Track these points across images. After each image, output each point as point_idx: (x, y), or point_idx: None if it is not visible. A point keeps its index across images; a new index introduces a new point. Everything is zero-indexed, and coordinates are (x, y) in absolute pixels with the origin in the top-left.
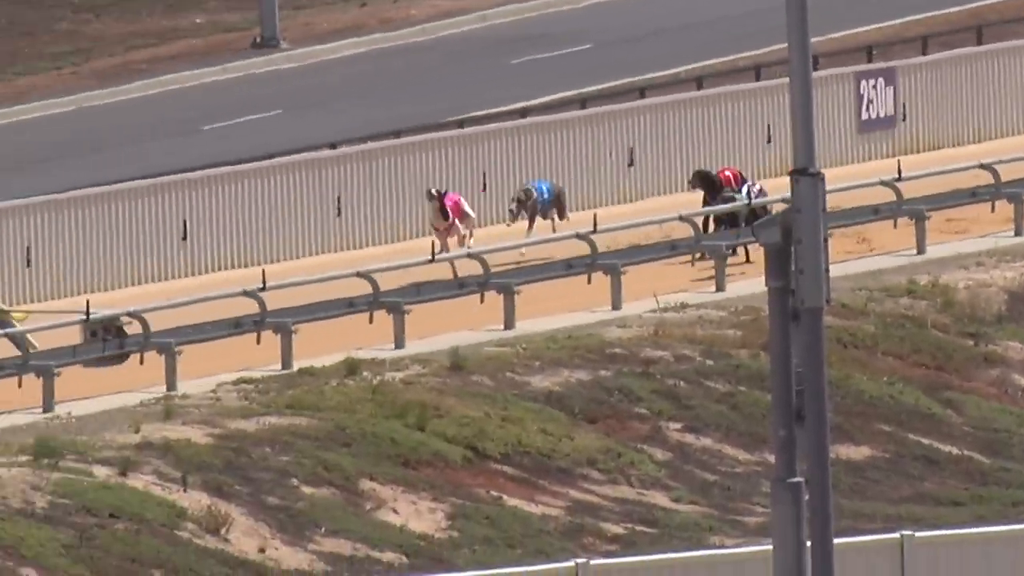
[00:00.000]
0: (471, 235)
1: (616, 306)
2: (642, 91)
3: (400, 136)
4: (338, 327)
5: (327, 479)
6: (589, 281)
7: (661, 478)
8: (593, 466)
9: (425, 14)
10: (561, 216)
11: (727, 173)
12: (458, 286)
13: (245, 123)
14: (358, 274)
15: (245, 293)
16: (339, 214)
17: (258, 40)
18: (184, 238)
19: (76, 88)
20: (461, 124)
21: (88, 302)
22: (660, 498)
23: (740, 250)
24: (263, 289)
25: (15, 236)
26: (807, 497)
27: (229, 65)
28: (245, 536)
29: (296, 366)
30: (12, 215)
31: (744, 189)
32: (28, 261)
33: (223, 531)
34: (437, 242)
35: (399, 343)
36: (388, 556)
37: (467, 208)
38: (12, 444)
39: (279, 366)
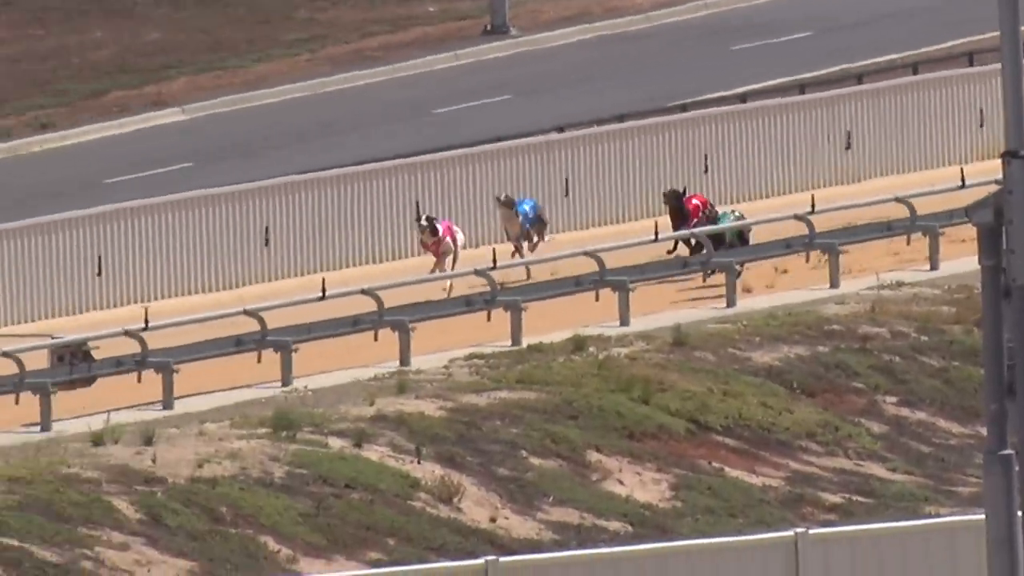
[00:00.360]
0: (455, 261)
1: (834, 284)
2: (859, 77)
3: (624, 120)
4: (565, 305)
5: (555, 451)
6: (807, 260)
7: (877, 450)
8: (812, 438)
9: (648, 2)
10: (540, 237)
11: (695, 202)
12: (681, 266)
13: (475, 107)
14: (585, 253)
15: (476, 272)
16: (567, 195)
17: (488, 28)
18: (417, 219)
19: (311, 74)
20: (684, 108)
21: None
22: (876, 469)
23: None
24: (493, 268)
25: (254, 217)
26: (1018, 468)
27: (460, 52)
28: (476, 506)
29: (525, 342)
30: (251, 197)
31: (721, 213)
32: (267, 241)
33: (455, 500)
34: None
35: (624, 320)
36: (614, 525)
37: (457, 234)
38: (252, 417)
39: (509, 342)
